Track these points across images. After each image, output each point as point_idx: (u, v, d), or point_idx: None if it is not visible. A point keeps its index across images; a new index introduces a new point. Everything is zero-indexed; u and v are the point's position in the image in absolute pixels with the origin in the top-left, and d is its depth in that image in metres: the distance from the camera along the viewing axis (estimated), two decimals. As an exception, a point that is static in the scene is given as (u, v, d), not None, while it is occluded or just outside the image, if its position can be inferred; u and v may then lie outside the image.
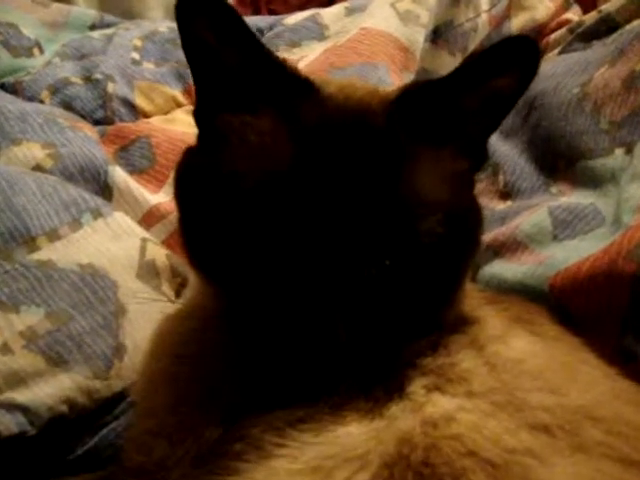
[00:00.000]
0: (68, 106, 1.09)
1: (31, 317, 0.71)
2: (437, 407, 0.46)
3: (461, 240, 0.54)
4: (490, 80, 0.53)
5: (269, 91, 0.54)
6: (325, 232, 0.49)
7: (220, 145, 0.55)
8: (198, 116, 0.59)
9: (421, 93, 0.54)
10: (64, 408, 0.68)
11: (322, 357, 0.50)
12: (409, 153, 0.52)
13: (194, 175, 0.56)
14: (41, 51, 1.22)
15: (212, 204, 0.53)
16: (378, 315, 0.51)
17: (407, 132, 0.53)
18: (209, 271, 0.57)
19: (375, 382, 0.51)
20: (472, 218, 0.57)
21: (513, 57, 0.52)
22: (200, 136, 0.59)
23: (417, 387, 0.49)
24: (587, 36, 1.11)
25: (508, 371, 0.49)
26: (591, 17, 1.18)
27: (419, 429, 0.44)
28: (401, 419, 0.46)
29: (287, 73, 0.55)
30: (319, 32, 1.23)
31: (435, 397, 0.47)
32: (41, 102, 1.10)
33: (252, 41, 0.54)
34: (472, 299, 0.61)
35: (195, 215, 0.56)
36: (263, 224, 0.50)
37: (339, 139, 0.51)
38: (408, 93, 0.55)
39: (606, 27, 1.07)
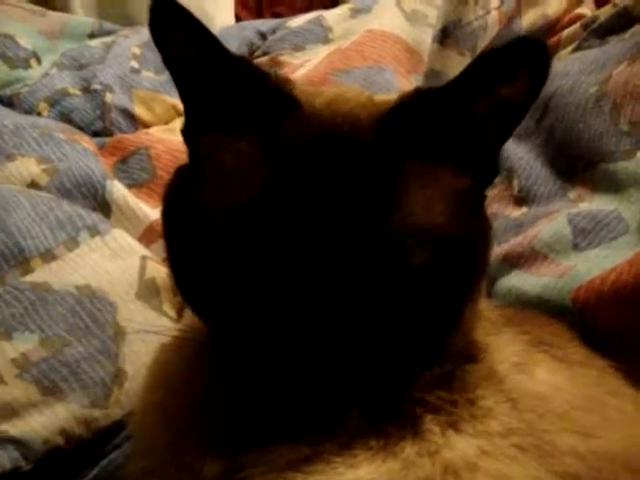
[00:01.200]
0: (67, 118, 1.07)
1: (24, 344, 0.67)
2: (456, 450, 0.42)
3: (463, 265, 0.48)
4: (498, 87, 0.48)
5: (248, 109, 0.49)
6: (306, 264, 0.45)
7: (199, 168, 0.51)
8: (185, 135, 0.56)
9: (418, 104, 0.49)
10: (60, 440, 0.65)
11: (310, 388, 0.46)
12: (401, 173, 0.47)
13: (177, 199, 0.53)
14: (39, 62, 1.19)
15: (192, 232, 0.49)
16: (370, 345, 0.46)
17: (400, 148, 0.48)
18: (192, 304, 0.54)
19: (385, 417, 0.47)
20: (477, 240, 0.51)
21: (521, 60, 0.47)
22: (188, 157, 0.55)
23: (432, 424, 0.45)
24: (602, 32, 1.06)
25: (532, 409, 0.44)
26: (606, 12, 1.13)
27: (439, 478, 0.40)
28: (417, 464, 0.42)
29: (268, 87, 0.50)
30: (323, 35, 1.19)
31: (453, 438, 0.43)
32: (39, 114, 1.07)
33: (227, 56, 0.51)
34: (487, 321, 0.56)
35: (177, 242, 0.52)
36: (240, 255, 0.46)
37: (320, 161, 0.46)
38: (403, 104, 0.50)
39: (623, 22, 1.02)
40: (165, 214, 0.55)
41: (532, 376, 0.48)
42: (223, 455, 0.49)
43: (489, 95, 0.48)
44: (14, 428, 0.63)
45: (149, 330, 0.65)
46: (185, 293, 0.54)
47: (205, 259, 0.48)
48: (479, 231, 0.51)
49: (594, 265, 0.68)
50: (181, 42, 0.51)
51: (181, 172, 0.56)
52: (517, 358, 0.50)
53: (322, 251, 0.45)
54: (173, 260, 0.54)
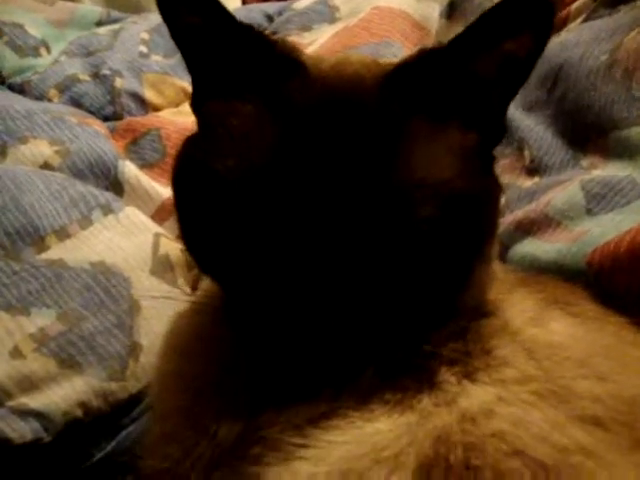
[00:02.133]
0: (77, 103, 1.08)
1: (42, 319, 0.68)
2: (473, 398, 0.42)
3: (471, 221, 0.48)
4: (501, 42, 0.48)
5: (256, 74, 0.50)
6: (315, 222, 0.45)
7: (207, 134, 0.52)
8: (194, 106, 0.56)
9: (422, 63, 0.49)
10: (79, 412, 0.66)
11: (323, 344, 0.46)
12: (406, 130, 0.47)
13: (187, 165, 0.53)
14: (48, 50, 1.21)
15: (202, 196, 0.50)
16: (381, 299, 0.46)
17: (405, 107, 0.48)
18: (205, 267, 0.54)
19: (402, 371, 0.47)
20: (486, 197, 0.50)
21: (525, 14, 0.46)
22: (197, 125, 0.56)
23: (447, 375, 0.45)
24: (613, 1, 1.05)
25: (548, 357, 0.45)
26: (615, -18, 1.12)
27: (456, 425, 0.40)
28: (435, 414, 0.42)
29: (274, 53, 0.51)
30: (330, 14, 1.20)
31: (469, 387, 0.43)
32: (49, 101, 1.09)
33: (235, 23, 0.51)
34: (502, 282, 0.56)
35: (188, 207, 0.53)
36: (250, 216, 0.46)
37: (328, 122, 0.47)
38: (407, 65, 0.50)
39: (633, -10, 1.01)
40: (175, 182, 0.56)
41: (548, 329, 0.48)
42: (240, 417, 0.49)
43: (494, 50, 0.48)
44: (34, 401, 0.64)
45: (165, 297, 0.65)
46: (197, 257, 0.54)
47: (217, 220, 0.49)
48: (488, 189, 0.51)
49: (608, 229, 0.68)
50: (188, 11, 0.51)
51: (190, 141, 0.56)
52: (532, 313, 0.50)
53: (331, 207, 0.45)
54: (185, 225, 0.55)
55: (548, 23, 0.47)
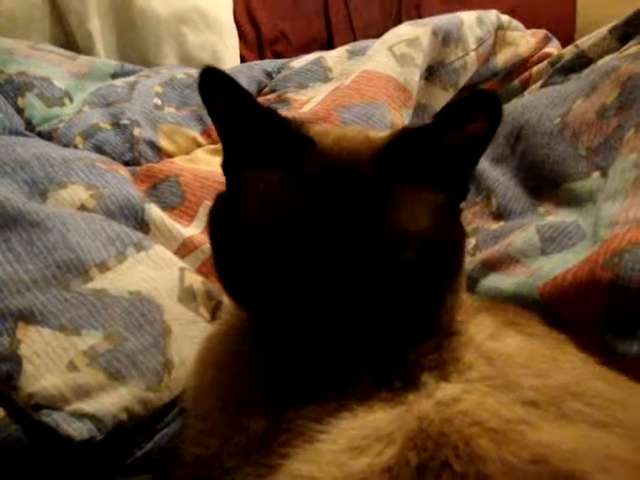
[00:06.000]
0: (99, 150, 1.20)
1: (91, 339, 0.81)
2: (446, 391, 0.57)
3: (442, 262, 0.63)
4: (464, 125, 0.62)
5: (276, 148, 0.64)
6: (324, 262, 0.59)
7: (239, 194, 0.66)
8: (224, 169, 0.71)
9: (404, 141, 0.64)
10: (124, 416, 0.78)
11: (329, 356, 0.60)
12: (393, 193, 0.62)
13: (221, 218, 0.68)
14: (71, 100, 1.34)
15: (235, 242, 0.64)
16: (375, 321, 0.60)
17: (391, 175, 0.62)
18: (236, 297, 0.69)
19: (392, 378, 0.61)
20: (453, 243, 0.66)
21: (481, 106, 0.61)
22: (227, 185, 0.71)
23: (428, 378, 0.59)
24: (565, 70, 1.24)
25: (502, 362, 0.60)
26: (569, 51, 1.31)
27: (433, 408, 0.54)
28: (418, 403, 0.56)
29: (290, 131, 0.65)
30: (324, 74, 1.35)
31: (443, 385, 0.58)
32: (75, 147, 1.21)
33: (259, 108, 0.65)
34: (469, 308, 0.71)
35: (223, 251, 0.67)
36: (274, 259, 0.61)
37: (334, 186, 0.61)
38: (393, 142, 0.65)
39: (581, 62, 1.20)
40: (213, 230, 0.70)
41: (502, 342, 0.64)
42: (266, 414, 0.63)
43: (459, 130, 0.63)
44: (89, 406, 0.76)
45: (194, 321, 0.79)
46: (230, 288, 0.69)
47: (248, 259, 0.63)
48: (455, 235, 0.67)
49: (557, 266, 0.84)
50: (224, 99, 0.66)
51: (222, 198, 0.71)
52: (491, 331, 0.66)
53: (335, 251, 0.60)
54: (220, 263, 0.69)
55: (498, 112, 0.62)
